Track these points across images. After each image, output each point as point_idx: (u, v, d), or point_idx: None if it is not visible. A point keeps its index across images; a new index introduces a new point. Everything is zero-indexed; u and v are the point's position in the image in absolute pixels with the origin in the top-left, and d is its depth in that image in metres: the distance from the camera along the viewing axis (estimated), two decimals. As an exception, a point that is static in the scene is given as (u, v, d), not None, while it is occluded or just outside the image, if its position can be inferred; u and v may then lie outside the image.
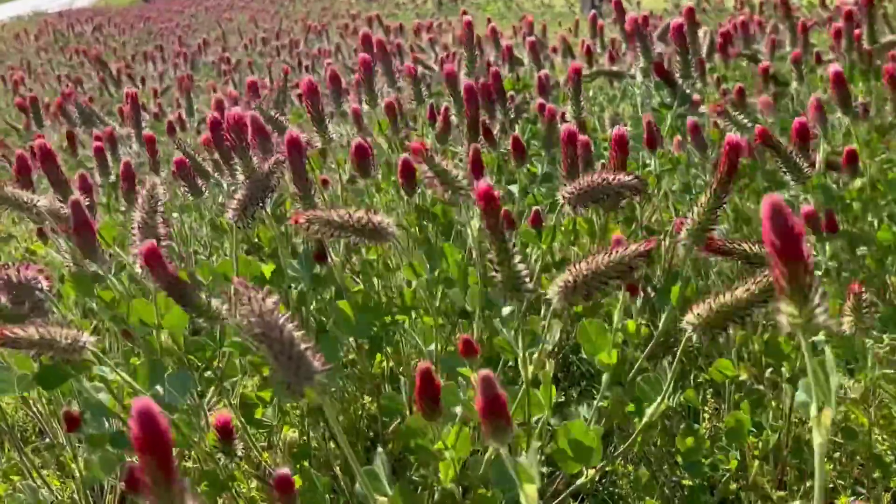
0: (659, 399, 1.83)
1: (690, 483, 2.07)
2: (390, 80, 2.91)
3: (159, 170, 2.54)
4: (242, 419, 2.15)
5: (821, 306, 0.87)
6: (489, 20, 7.23)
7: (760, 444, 2.11)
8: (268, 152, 2.17)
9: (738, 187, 3.14)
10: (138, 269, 1.84)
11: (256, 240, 2.80)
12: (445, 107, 2.75)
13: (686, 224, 1.65)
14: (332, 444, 2.26)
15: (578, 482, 1.92)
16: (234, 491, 2.01)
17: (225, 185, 2.73)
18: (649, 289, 2.74)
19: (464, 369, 1.81)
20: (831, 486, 2.14)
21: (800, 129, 2.35)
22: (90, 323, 2.42)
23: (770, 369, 2.40)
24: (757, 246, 1.70)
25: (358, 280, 2.61)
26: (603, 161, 2.96)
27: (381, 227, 1.59)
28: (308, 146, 2.43)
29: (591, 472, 1.87)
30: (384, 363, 2.55)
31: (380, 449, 1.48)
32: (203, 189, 2.53)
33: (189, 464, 2.22)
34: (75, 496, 2.23)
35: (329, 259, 2.26)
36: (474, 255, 2.22)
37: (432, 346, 2.12)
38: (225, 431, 1.78)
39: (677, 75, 2.84)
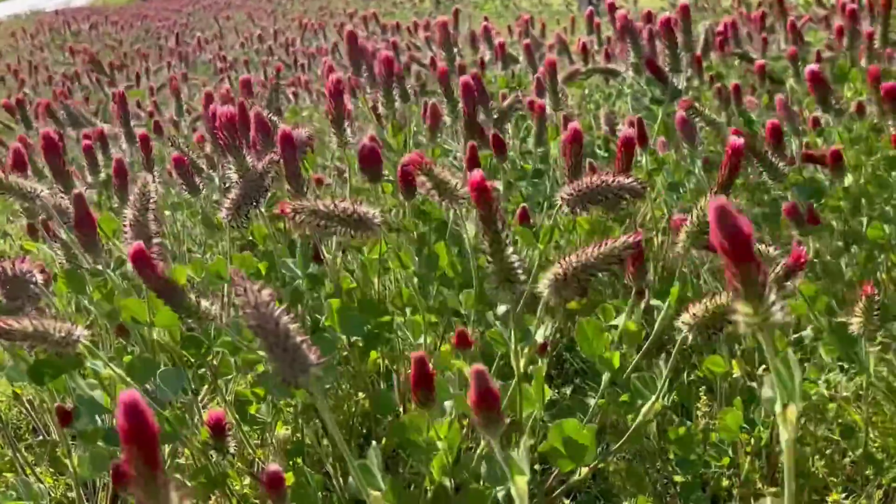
0: (654, 397, 1.83)
1: (682, 480, 2.08)
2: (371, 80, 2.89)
3: (153, 168, 2.54)
4: (237, 416, 2.15)
5: (776, 304, 0.88)
6: (485, 18, 7.23)
7: (752, 440, 2.11)
8: (262, 150, 2.18)
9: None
10: (131, 267, 1.84)
11: (251, 237, 2.80)
12: (433, 104, 2.75)
13: (685, 226, 1.65)
14: (325, 442, 2.26)
15: (572, 480, 1.93)
16: (226, 488, 2.02)
17: (216, 181, 2.74)
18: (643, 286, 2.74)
19: (458, 362, 1.81)
20: (823, 483, 2.14)
21: (772, 130, 2.36)
22: (83, 319, 2.41)
23: (763, 366, 2.40)
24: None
25: (353, 278, 2.61)
26: (592, 161, 2.97)
27: (367, 217, 1.59)
28: (308, 143, 2.44)
29: (585, 470, 1.88)
30: (378, 361, 2.55)
31: (373, 443, 1.48)
32: (200, 187, 2.53)
33: (182, 460, 2.22)
34: (69, 493, 2.23)
35: (323, 258, 2.26)
36: (469, 255, 2.22)
37: (421, 339, 2.12)
38: (217, 428, 1.79)
39: (667, 70, 2.85)
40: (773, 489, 2.09)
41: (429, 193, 1.83)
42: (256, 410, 2.17)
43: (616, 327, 1.91)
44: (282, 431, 2.30)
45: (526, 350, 1.72)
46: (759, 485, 2.11)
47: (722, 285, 2.54)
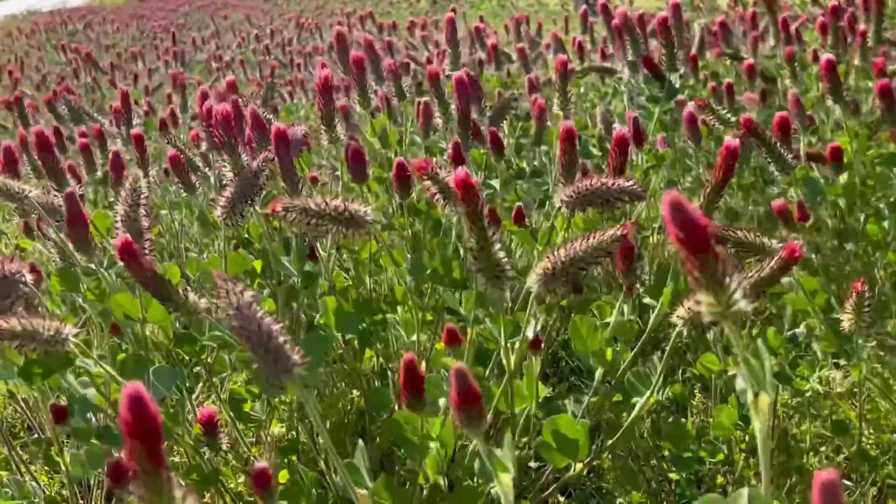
0: (648, 393, 1.83)
1: (677, 477, 2.08)
2: (378, 78, 2.90)
3: (148, 167, 2.54)
4: (231, 414, 2.15)
5: (737, 293, 0.89)
6: (481, 18, 7.23)
7: (746, 437, 2.11)
8: (258, 148, 2.17)
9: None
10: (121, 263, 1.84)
11: (246, 235, 2.80)
12: (426, 102, 2.75)
13: None
14: (320, 440, 2.26)
15: (566, 476, 1.93)
16: (220, 485, 2.02)
17: (212, 180, 2.74)
18: (638, 284, 2.74)
19: (449, 360, 1.81)
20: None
21: (781, 123, 2.36)
22: (76, 318, 2.41)
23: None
24: (751, 234, 1.70)
25: (348, 276, 2.61)
26: (587, 162, 2.97)
27: (359, 215, 1.59)
28: (304, 141, 2.44)
29: (580, 466, 1.88)
30: (373, 359, 2.55)
31: (360, 442, 1.48)
32: (196, 185, 2.53)
33: (176, 458, 2.22)
34: (63, 491, 2.23)
35: (318, 255, 2.26)
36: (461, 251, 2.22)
37: (415, 337, 2.12)
38: (210, 425, 1.79)
39: (664, 69, 2.85)
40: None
41: (433, 197, 1.83)
42: (251, 408, 2.17)
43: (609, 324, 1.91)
44: (276, 429, 2.30)
45: (516, 345, 1.72)
46: (754, 481, 2.11)
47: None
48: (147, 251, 1.87)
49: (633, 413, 1.79)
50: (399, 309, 2.34)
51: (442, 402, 1.76)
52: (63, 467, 2.07)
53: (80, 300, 2.13)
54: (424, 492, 1.82)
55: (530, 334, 1.73)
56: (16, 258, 1.69)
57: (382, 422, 2.28)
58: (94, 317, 2.06)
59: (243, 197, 1.98)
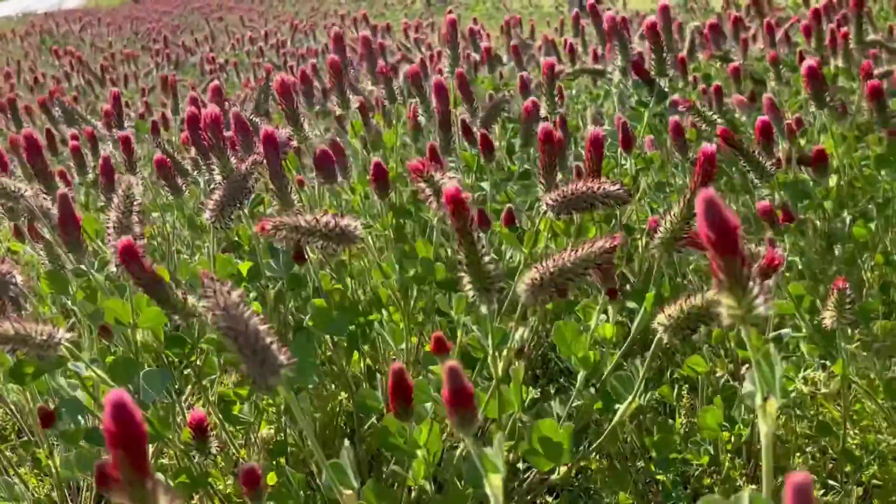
0: (630, 397, 1.84)
1: (664, 478, 2.09)
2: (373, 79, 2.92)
3: (135, 169, 2.54)
4: (220, 416, 2.16)
5: (759, 298, 0.89)
6: (475, 20, 7.23)
7: (733, 438, 2.13)
8: (247, 151, 2.18)
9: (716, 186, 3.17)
10: (113, 269, 1.85)
11: (236, 237, 2.81)
12: (415, 105, 2.77)
13: (658, 232, 1.66)
14: (308, 441, 2.27)
15: (552, 478, 1.94)
16: (209, 488, 2.02)
17: (202, 183, 2.75)
18: (627, 286, 2.76)
19: (436, 367, 1.82)
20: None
21: (763, 128, 2.37)
22: (66, 320, 2.42)
23: (746, 365, 2.42)
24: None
25: (336, 277, 2.61)
26: (579, 164, 2.98)
27: (349, 230, 1.60)
28: (289, 144, 2.45)
29: (564, 469, 1.89)
30: (361, 361, 2.56)
31: (346, 442, 1.49)
32: (183, 188, 2.53)
33: (165, 460, 2.23)
34: (53, 494, 2.24)
35: (307, 258, 2.27)
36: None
37: (403, 345, 2.13)
38: (199, 429, 1.79)
39: (653, 73, 2.86)
40: (753, 486, 2.10)
41: (427, 200, 1.84)
42: (239, 410, 2.17)
43: (594, 333, 1.92)
44: (265, 431, 2.30)
45: (504, 353, 1.73)
46: (740, 482, 2.13)
47: (706, 284, 2.56)
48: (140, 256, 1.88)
49: (615, 418, 1.80)
50: (384, 312, 2.35)
51: (429, 406, 1.77)
52: (52, 469, 2.08)
53: (70, 303, 2.14)
54: (413, 493, 1.83)
55: (517, 343, 1.74)
56: (6, 260, 1.70)
57: (371, 423, 2.29)
58: (83, 319, 2.07)
59: (232, 200, 1.99)
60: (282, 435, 2.28)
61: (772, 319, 2.53)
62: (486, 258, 1.44)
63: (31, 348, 1.52)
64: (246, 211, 2.07)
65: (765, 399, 0.96)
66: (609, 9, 5.86)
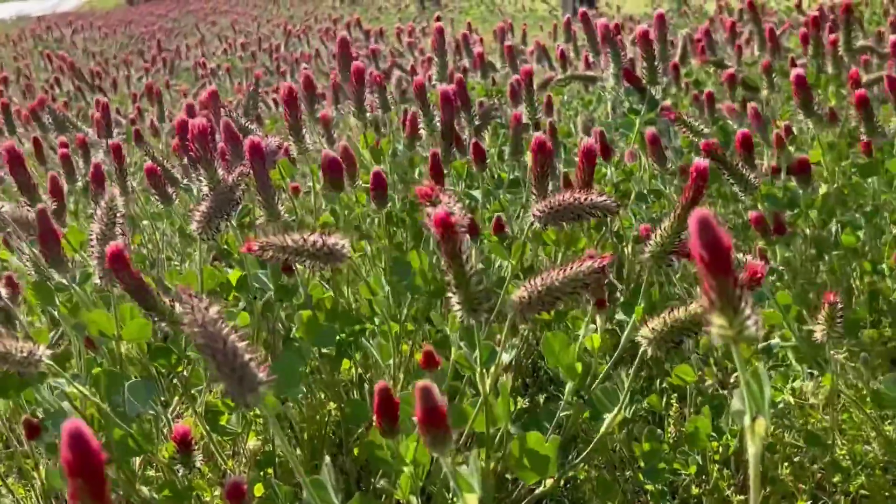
0: (616, 409, 1.84)
1: (652, 488, 2.09)
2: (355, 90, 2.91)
3: (125, 178, 2.53)
4: (207, 427, 2.15)
5: (751, 318, 0.88)
6: (469, 24, 7.23)
7: (721, 448, 2.12)
8: (237, 161, 2.17)
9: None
10: (97, 280, 1.84)
11: (225, 246, 2.81)
12: (412, 113, 2.76)
13: (648, 245, 1.65)
14: (297, 452, 2.26)
15: (538, 490, 1.94)
16: (196, 500, 2.01)
17: (195, 191, 2.74)
18: (618, 294, 2.76)
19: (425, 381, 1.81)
20: (790, 490, 2.16)
21: (743, 140, 2.36)
22: (54, 331, 2.41)
23: (736, 374, 2.42)
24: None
25: (328, 286, 2.61)
26: (567, 172, 2.98)
27: (336, 249, 1.59)
28: (278, 152, 2.44)
29: (550, 482, 1.89)
30: (352, 370, 2.55)
31: (327, 458, 1.48)
32: (173, 197, 2.52)
33: (151, 472, 2.22)
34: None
35: (294, 268, 2.26)
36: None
37: (390, 361, 2.13)
38: (183, 443, 1.79)
39: (644, 81, 2.86)
40: (741, 497, 2.10)
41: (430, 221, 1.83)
42: (227, 421, 2.17)
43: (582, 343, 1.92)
44: (253, 442, 2.30)
45: (492, 370, 1.73)
46: (728, 492, 2.13)
47: (692, 292, 2.55)
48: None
49: (602, 430, 1.80)
50: (376, 321, 2.35)
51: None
52: (38, 481, 2.07)
53: (56, 314, 2.13)
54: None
55: (505, 359, 1.74)
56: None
57: (360, 434, 2.28)
58: (67, 331, 2.06)
59: (219, 212, 1.98)
60: (270, 446, 2.27)
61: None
62: (475, 279, 1.43)
63: (10, 365, 1.51)
64: (234, 222, 2.07)
65: (753, 419, 0.95)
66: (603, 16, 5.88)
